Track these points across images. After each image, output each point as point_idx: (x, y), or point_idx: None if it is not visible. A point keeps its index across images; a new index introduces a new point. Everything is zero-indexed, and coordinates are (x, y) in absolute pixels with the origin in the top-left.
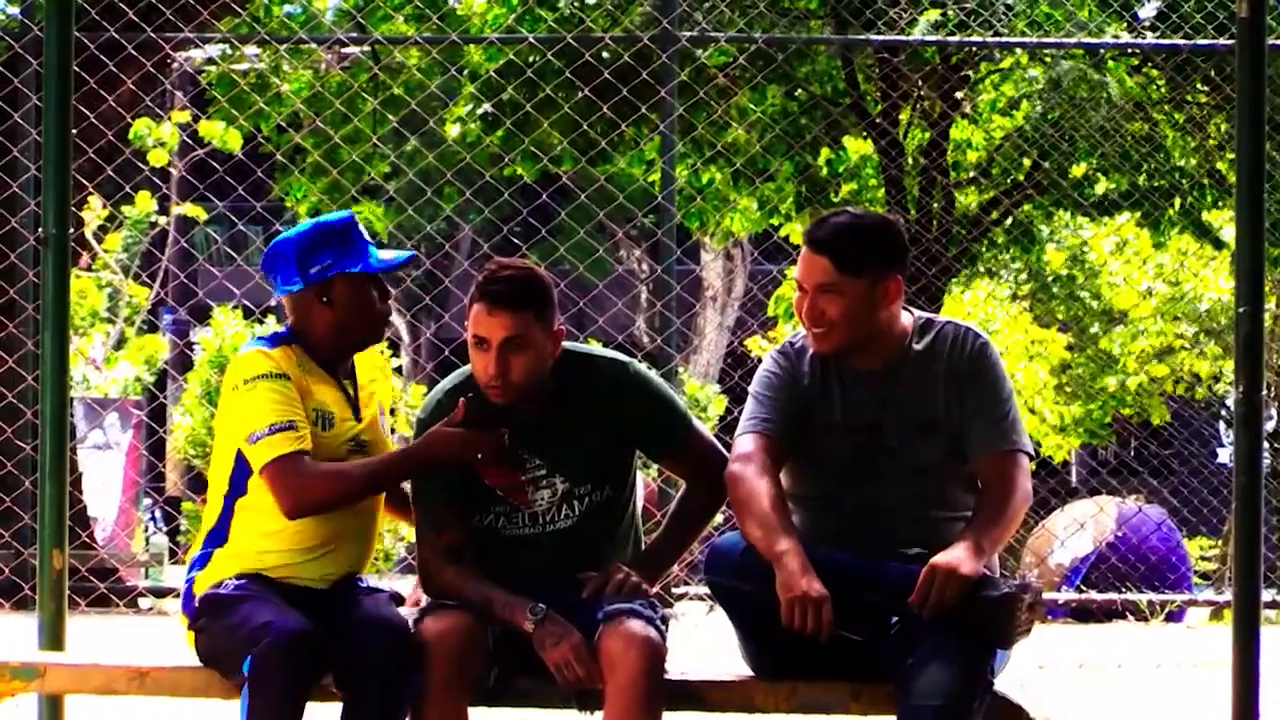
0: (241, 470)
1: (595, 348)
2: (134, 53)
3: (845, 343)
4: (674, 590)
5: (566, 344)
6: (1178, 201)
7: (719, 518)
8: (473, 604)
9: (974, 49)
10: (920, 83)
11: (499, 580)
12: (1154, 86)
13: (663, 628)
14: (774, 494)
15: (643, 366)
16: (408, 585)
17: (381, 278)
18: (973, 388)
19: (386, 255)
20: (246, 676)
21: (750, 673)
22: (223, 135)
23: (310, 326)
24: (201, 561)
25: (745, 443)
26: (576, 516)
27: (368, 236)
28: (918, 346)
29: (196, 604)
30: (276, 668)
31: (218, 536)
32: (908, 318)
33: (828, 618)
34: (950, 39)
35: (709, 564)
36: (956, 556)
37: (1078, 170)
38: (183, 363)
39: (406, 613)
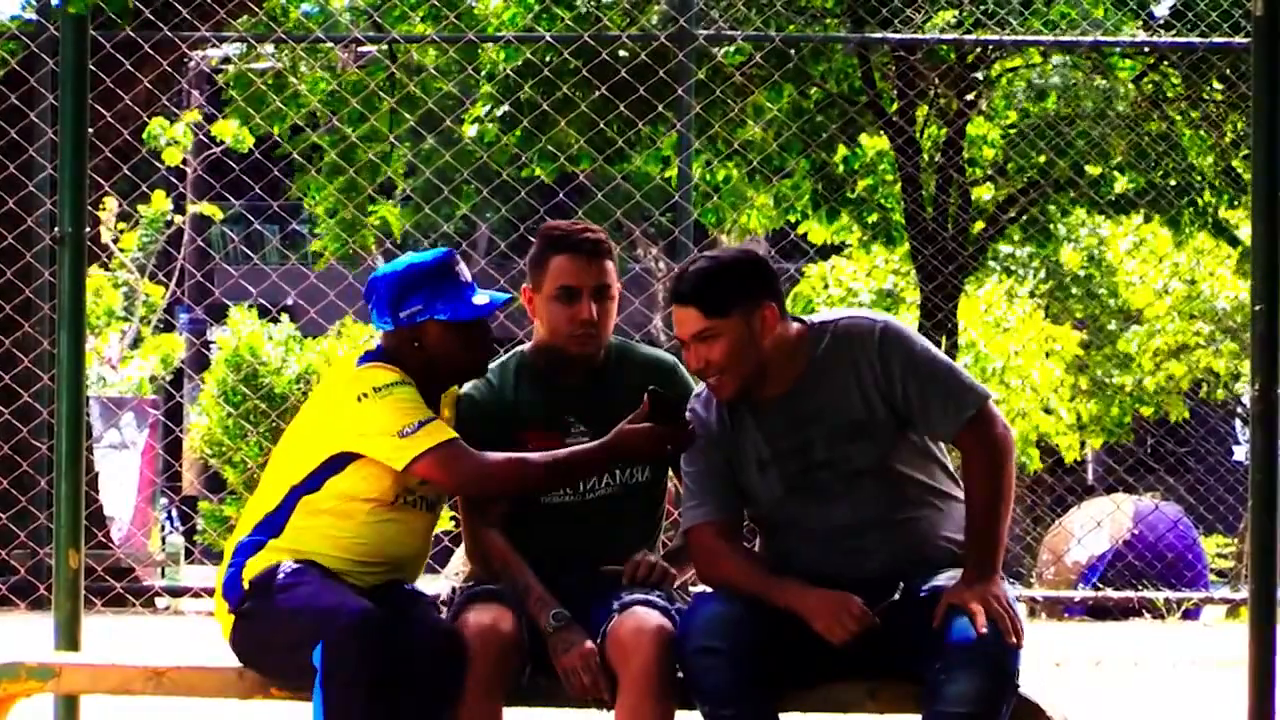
0: (327, 469)
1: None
2: (150, 52)
3: (741, 383)
4: (691, 589)
5: (613, 337)
6: (1194, 199)
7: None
8: (512, 586)
9: (990, 46)
10: (936, 80)
11: (537, 551)
12: (1169, 84)
13: (678, 619)
14: (750, 566)
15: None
16: (431, 585)
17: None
18: (903, 372)
19: (481, 300)
20: (319, 666)
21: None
22: (236, 135)
23: (404, 361)
24: (252, 548)
25: (700, 538)
26: (616, 485)
27: (466, 275)
28: (817, 353)
29: (245, 587)
30: (353, 651)
31: (273, 526)
32: (799, 328)
33: (860, 612)
34: (966, 37)
35: (680, 646)
36: (969, 589)
37: (1094, 169)
38: (199, 362)
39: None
